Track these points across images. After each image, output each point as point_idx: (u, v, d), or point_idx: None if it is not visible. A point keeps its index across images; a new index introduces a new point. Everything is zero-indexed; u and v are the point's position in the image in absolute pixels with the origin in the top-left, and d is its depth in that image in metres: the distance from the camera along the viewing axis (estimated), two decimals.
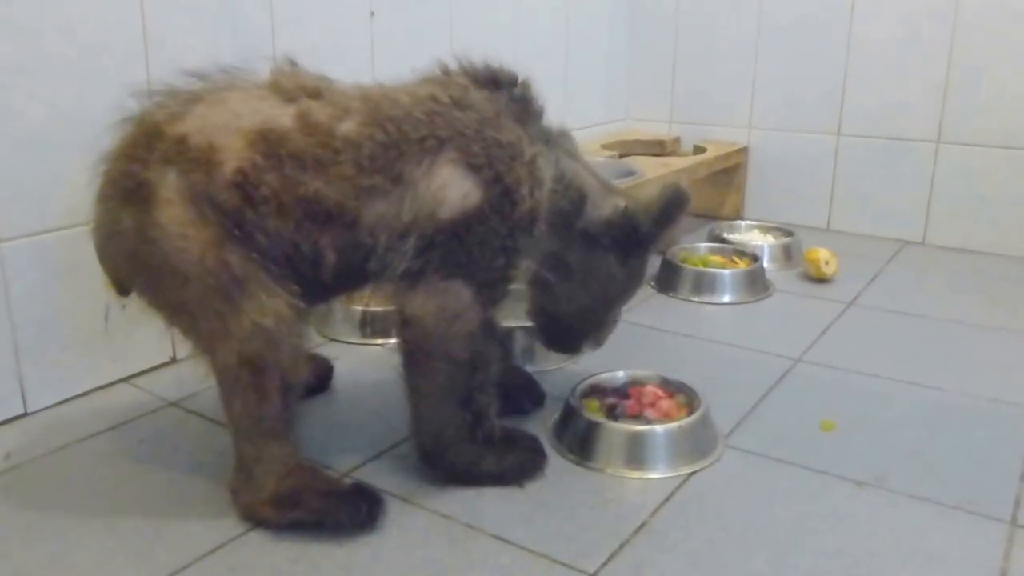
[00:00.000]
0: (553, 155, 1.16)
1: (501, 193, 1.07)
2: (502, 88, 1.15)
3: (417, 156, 1.05)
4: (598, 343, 1.34)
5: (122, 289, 1.13)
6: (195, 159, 1.00)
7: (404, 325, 1.09)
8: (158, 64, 1.40)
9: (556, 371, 1.52)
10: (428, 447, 1.15)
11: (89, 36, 1.31)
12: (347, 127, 1.04)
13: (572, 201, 1.17)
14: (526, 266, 1.20)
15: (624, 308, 1.34)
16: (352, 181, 1.03)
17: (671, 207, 1.20)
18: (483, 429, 1.14)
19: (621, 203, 1.21)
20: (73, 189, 1.31)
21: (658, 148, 2.61)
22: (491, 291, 1.11)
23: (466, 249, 1.07)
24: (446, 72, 1.16)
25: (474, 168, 1.06)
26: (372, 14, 1.78)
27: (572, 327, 1.29)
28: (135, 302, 1.14)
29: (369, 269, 1.07)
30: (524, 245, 1.12)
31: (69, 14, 1.29)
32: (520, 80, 1.17)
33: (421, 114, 1.07)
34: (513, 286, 1.17)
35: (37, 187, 1.30)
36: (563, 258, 1.21)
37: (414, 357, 1.11)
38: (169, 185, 1.00)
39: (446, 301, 1.07)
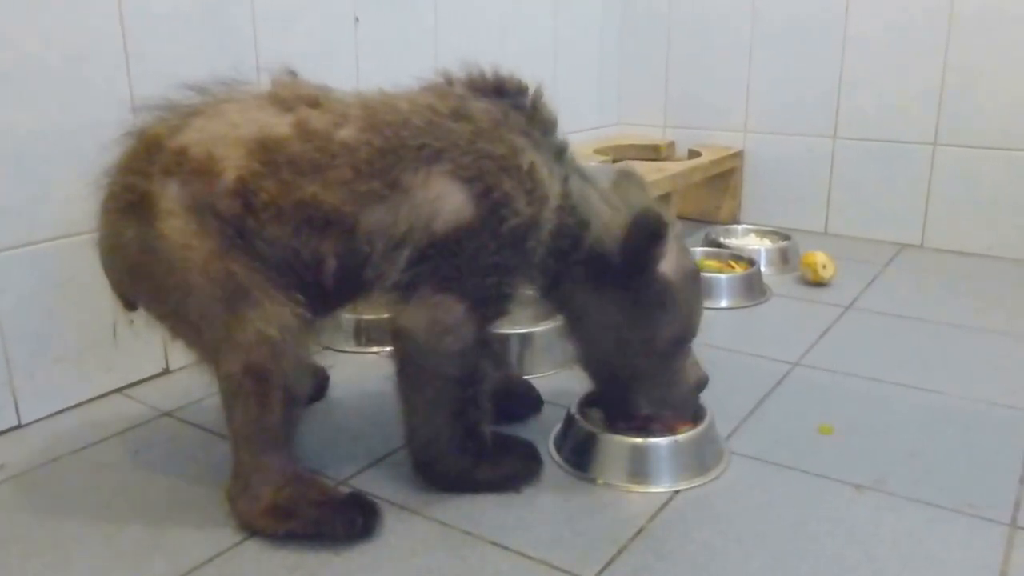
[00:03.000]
0: (560, 170, 1.12)
1: (490, 207, 1.04)
2: (507, 97, 1.12)
3: (413, 163, 1.04)
4: (667, 406, 1.21)
5: (129, 304, 1.14)
6: (195, 169, 1.01)
7: (396, 337, 1.08)
8: (140, 73, 1.39)
9: (554, 377, 1.51)
10: (420, 457, 1.15)
11: (70, 45, 1.31)
12: (345, 133, 1.04)
13: (575, 223, 1.11)
14: (523, 286, 1.14)
15: (679, 365, 1.19)
16: (349, 185, 1.02)
17: (638, 236, 1.08)
18: (475, 441, 1.13)
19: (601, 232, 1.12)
20: (62, 199, 1.31)
21: (653, 153, 2.61)
22: (486, 308, 1.08)
23: (457, 265, 1.04)
24: (449, 81, 1.14)
25: (466, 181, 1.04)
26: (357, 20, 1.77)
27: (614, 383, 1.22)
28: (141, 315, 1.14)
29: (365, 277, 1.06)
30: (516, 263, 1.08)
31: (48, 25, 1.28)
32: (529, 89, 1.14)
33: (419, 122, 1.06)
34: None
35: (26, 198, 1.29)
36: (568, 299, 1.17)
37: (405, 370, 1.10)
38: (170, 196, 1.00)
39: (438, 316, 1.05)
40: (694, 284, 1.18)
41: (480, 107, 1.09)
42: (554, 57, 2.46)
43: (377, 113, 1.07)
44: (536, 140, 1.11)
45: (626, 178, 1.24)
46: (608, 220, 1.12)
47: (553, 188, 1.09)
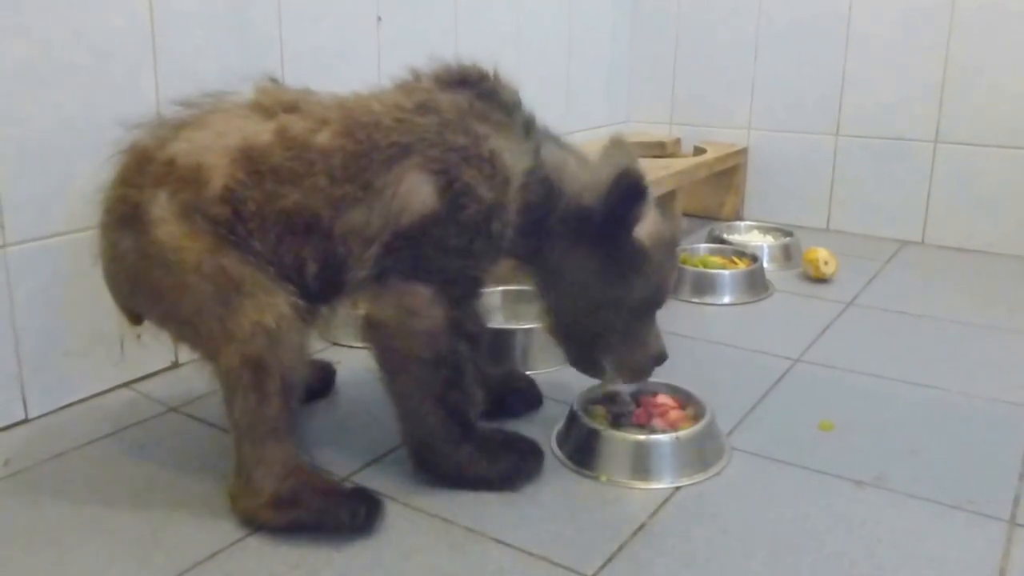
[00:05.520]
0: (531, 145, 1.14)
1: (453, 197, 1.06)
2: (470, 86, 1.15)
3: (385, 164, 1.06)
4: (626, 370, 1.25)
5: (134, 318, 1.16)
6: (183, 178, 1.04)
7: (368, 328, 1.11)
8: (166, 70, 1.41)
9: (556, 373, 1.51)
10: (414, 447, 1.16)
11: (97, 42, 1.32)
12: (323, 138, 1.07)
13: (544, 195, 1.15)
14: (492, 269, 1.17)
15: (646, 328, 1.23)
16: (325, 192, 1.05)
17: (619, 192, 1.12)
18: (464, 428, 1.14)
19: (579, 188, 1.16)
20: (78, 194, 1.32)
21: (659, 150, 2.61)
22: (453, 289, 1.10)
23: (422, 252, 1.07)
24: (416, 77, 1.17)
25: (433, 173, 1.06)
26: (379, 19, 1.79)
27: (581, 342, 1.25)
28: (147, 327, 1.16)
29: (345, 279, 1.08)
30: (481, 247, 1.10)
31: (77, 21, 1.29)
32: (489, 74, 1.16)
33: (389, 121, 1.08)
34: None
35: (43, 192, 1.30)
36: (547, 260, 1.20)
37: (383, 359, 1.12)
38: (161, 204, 1.03)
39: (404, 300, 1.08)
40: (669, 252, 1.21)
41: (446, 99, 1.12)
42: (567, 57, 2.47)
43: (352, 115, 1.09)
44: (500, 122, 1.13)
45: (615, 145, 1.26)
46: (588, 179, 1.16)
47: (517, 168, 1.11)
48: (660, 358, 1.24)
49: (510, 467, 1.17)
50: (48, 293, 1.33)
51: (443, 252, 1.08)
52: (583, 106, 2.61)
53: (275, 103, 1.10)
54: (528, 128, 1.17)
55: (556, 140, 1.21)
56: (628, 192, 1.12)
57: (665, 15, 2.70)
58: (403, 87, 1.17)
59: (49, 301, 1.34)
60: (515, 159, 1.11)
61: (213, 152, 1.04)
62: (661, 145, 2.63)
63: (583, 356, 1.27)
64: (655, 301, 1.22)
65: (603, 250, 1.16)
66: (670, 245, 1.22)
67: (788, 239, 2.25)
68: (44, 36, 1.26)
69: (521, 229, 1.14)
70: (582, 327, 1.23)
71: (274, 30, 1.58)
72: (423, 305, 1.08)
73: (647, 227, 1.17)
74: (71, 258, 1.34)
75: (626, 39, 2.77)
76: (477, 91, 1.14)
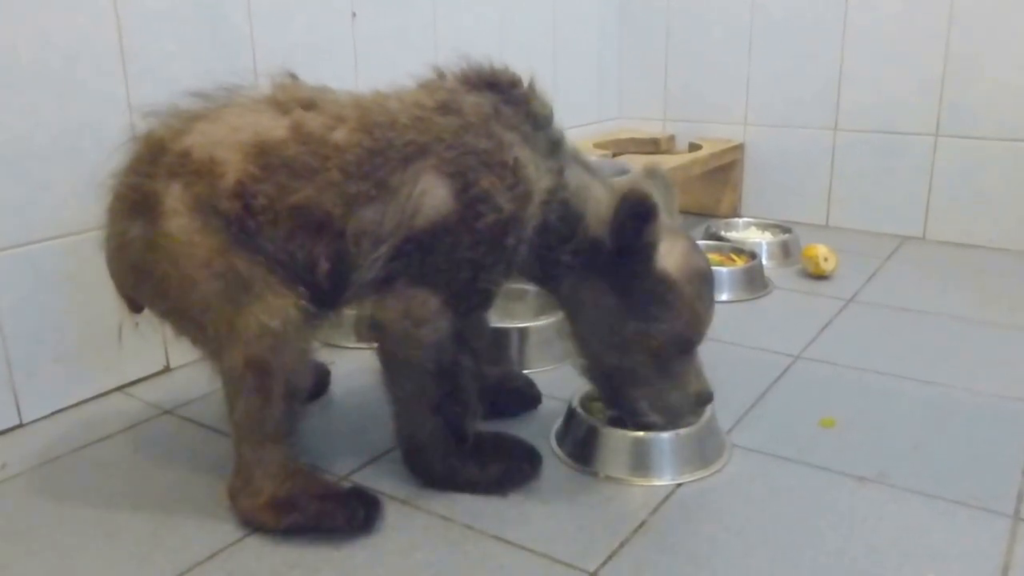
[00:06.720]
0: (555, 165, 1.10)
1: (469, 203, 1.03)
2: (499, 91, 1.11)
3: (400, 163, 1.04)
4: (664, 411, 1.17)
5: (134, 306, 1.15)
6: (198, 171, 1.02)
7: (372, 330, 1.09)
8: (136, 71, 1.39)
9: (554, 371, 1.51)
10: (406, 450, 1.16)
11: (65, 45, 1.30)
12: (338, 135, 1.05)
13: (563, 218, 1.10)
14: (503, 282, 1.13)
15: (689, 374, 1.15)
16: (339, 188, 1.03)
17: (624, 215, 1.05)
18: (459, 437, 1.13)
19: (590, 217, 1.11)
20: (59, 199, 1.31)
21: (652, 146, 2.60)
22: (460, 302, 1.08)
23: (432, 259, 1.05)
24: (441, 75, 1.14)
25: (448, 176, 1.03)
26: (354, 15, 1.77)
27: (614, 381, 1.18)
28: (146, 316, 1.15)
29: (355, 279, 1.07)
30: (493, 260, 1.07)
31: (43, 24, 1.27)
32: (523, 82, 1.12)
33: (406, 120, 1.06)
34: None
35: (22, 197, 1.29)
36: (561, 288, 1.15)
37: (385, 363, 1.11)
38: (174, 196, 1.02)
39: (411, 308, 1.06)
40: (701, 285, 1.13)
41: (470, 101, 1.08)
42: (553, 51, 2.46)
43: (369, 113, 1.07)
44: (527, 135, 1.09)
45: (650, 174, 1.23)
46: (604, 208, 1.10)
47: (539, 184, 1.08)
48: (703, 398, 1.18)
49: (500, 473, 1.15)
50: (34, 299, 1.32)
51: (454, 262, 1.05)
52: (572, 102, 2.58)
53: (291, 99, 1.08)
54: (555, 147, 1.12)
55: (584, 164, 1.15)
56: (633, 214, 1.05)
57: (655, 8, 2.68)
58: (426, 86, 1.13)
59: (35, 307, 1.33)
60: (539, 174, 1.08)
61: (227, 147, 1.03)
62: (655, 142, 2.62)
63: (617, 396, 1.19)
64: (689, 338, 1.13)
65: (623, 282, 1.10)
66: (702, 276, 1.13)
67: (787, 235, 2.24)
68: (11, 41, 1.24)
69: (537, 250, 1.10)
70: (608, 367, 1.16)
71: (245, 28, 1.55)
72: (430, 315, 1.06)
73: (675, 257, 1.10)
74: (57, 263, 1.34)
75: (614, 32, 2.74)
76: (505, 97, 1.10)
